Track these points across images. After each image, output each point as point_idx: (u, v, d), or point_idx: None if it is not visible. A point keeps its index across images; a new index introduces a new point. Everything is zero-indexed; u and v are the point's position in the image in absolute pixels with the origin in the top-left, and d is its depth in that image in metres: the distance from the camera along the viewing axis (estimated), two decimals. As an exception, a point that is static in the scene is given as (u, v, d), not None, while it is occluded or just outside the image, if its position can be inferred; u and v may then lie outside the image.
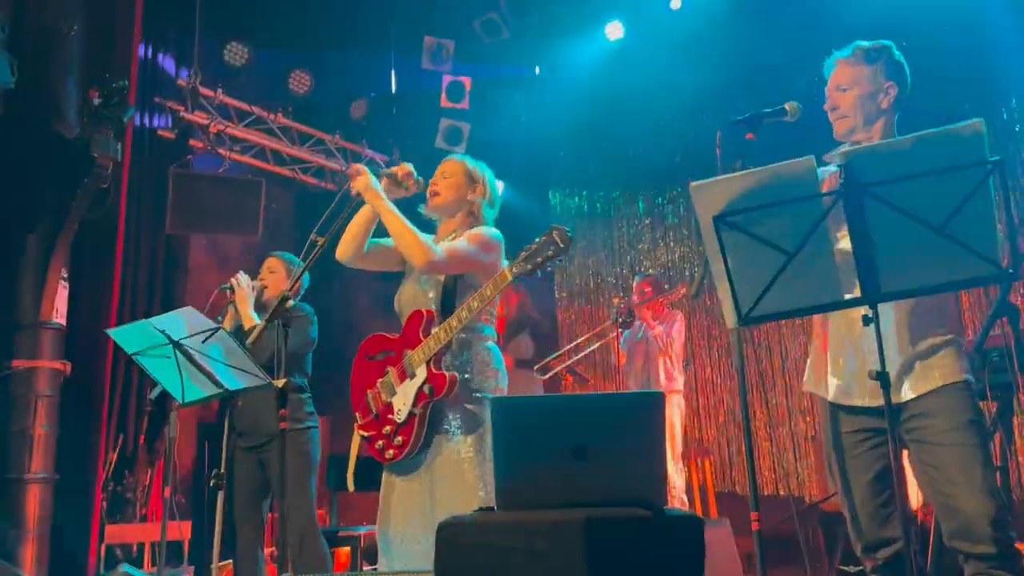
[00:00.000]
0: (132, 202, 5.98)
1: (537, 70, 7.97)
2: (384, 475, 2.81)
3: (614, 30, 7.38)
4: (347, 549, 4.84)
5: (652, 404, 1.91)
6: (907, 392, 2.16)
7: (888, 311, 2.17)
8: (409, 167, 2.90)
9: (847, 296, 1.97)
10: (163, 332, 2.66)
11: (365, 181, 2.82)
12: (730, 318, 2.04)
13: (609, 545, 1.71)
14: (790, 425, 6.82)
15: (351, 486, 2.98)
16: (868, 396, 2.19)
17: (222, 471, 2.79)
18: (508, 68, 7.86)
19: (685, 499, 5.83)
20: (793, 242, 1.92)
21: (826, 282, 1.96)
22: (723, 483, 6.98)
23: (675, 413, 5.81)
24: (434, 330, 2.67)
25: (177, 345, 2.68)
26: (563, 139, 8.13)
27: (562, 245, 2.52)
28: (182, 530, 5.23)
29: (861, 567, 4.78)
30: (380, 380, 2.76)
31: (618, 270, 7.95)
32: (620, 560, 1.73)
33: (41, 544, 4.72)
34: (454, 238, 2.86)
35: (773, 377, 6.94)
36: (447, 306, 2.75)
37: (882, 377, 1.88)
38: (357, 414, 2.84)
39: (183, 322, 2.69)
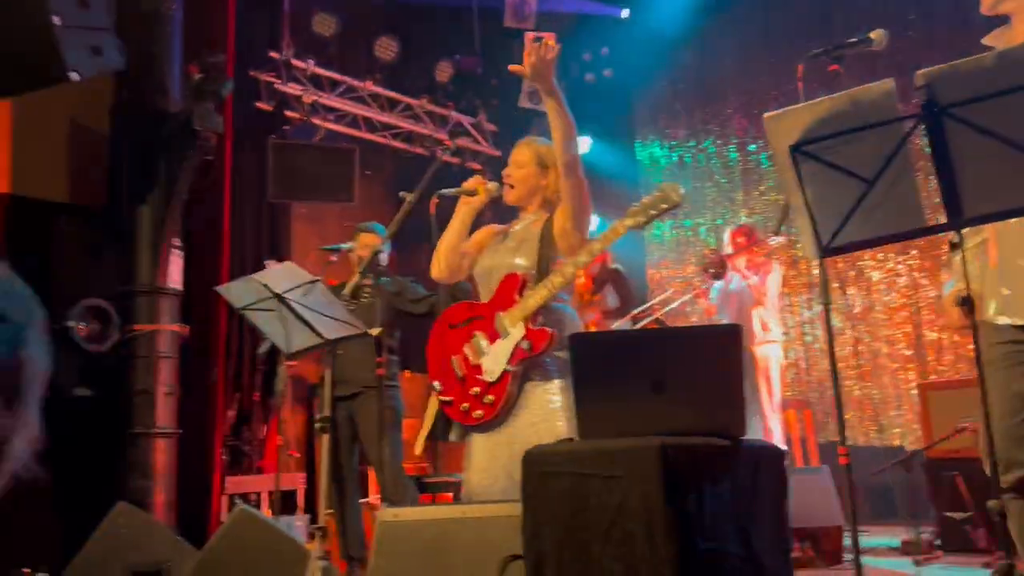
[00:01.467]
0: (236, 173, 6.26)
1: (624, 13, 7.82)
2: (469, 439, 2.81)
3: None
4: (450, 495, 5.03)
5: (728, 336, 1.94)
6: None
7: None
8: (477, 177, 2.97)
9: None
10: (266, 286, 2.82)
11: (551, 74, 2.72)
12: (810, 250, 2.03)
13: (686, 471, 1.76)
14: (893, 373, 6.63)
15: (419, 451, 3.00)
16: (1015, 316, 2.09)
17: (326, 415, 2.95)
18: (589, 16, 7.76)
19: (785, 448, 5.77)
20: (873, 169, 1.89)
21: (908, 207, 1.92)
22: (826, 434, 6.86)
23: (772, 364, 5.74)
24: (530, 290, 2.67)
25: (280, 298, 2.84)
26: (650, 88, 8.02)
27: (676, 199, 2.54)
28: (296, 481, 5.56)
29: (968, 514, 4.66)
30: (466, 344, 2.76)
31: (709, 222, 7.83)
32: (699, 486, 1.78)
33: (168, 493, 5.09)
34: (535, 221, 2.85)
35: (873, 325, 6.75)
36: (542, 271, 2.74)
37: (968, 303, 1.84)
38: (436, 382, 2.82)
39: (284, 276, 2.86)
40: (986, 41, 2.25)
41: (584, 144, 8.04)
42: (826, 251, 2.01)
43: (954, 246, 1.89)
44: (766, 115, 1.96)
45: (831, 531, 4.49)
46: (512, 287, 2.72)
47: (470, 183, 2.94)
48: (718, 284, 5.82)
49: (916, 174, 1.91)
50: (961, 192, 1.85)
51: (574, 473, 1.85)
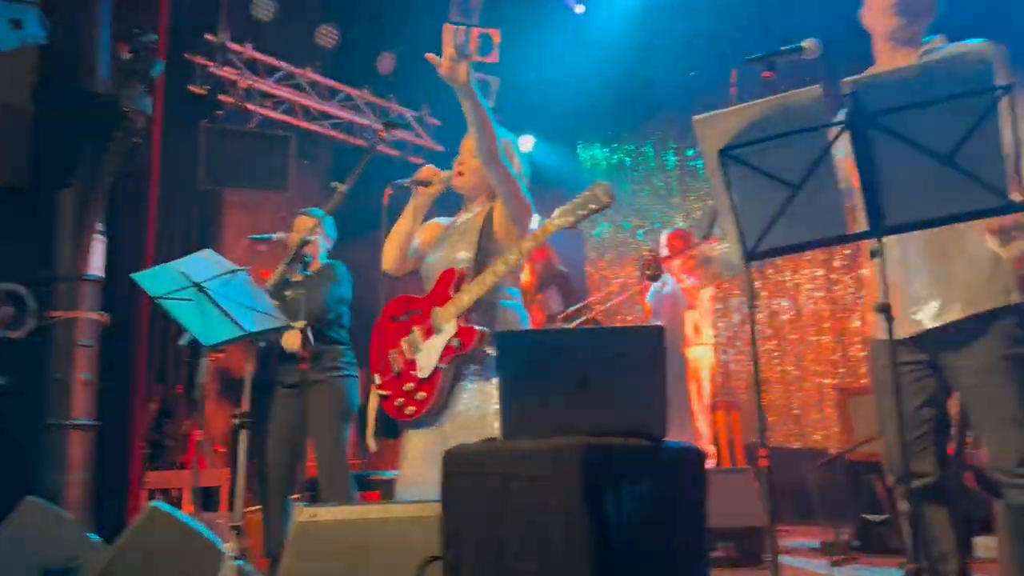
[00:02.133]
0: (165, 157, 6.08)
1: (578, 8, 7.81)
2: (405, 434, 2.81)
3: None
4: (378, 493, 4.96)
5: (652, 337, 1.93)
6: (942, 318, 2.15)
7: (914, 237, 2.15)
8: (430, 167, 2.96)
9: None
10: (184, 274, 2.73)
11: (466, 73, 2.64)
12: (736, 254, 2.04)
13: (606, 472, 1.74)
14: (816, 376, 6.79)
15: (372, 446, 2.97)
16: (905, 327, 2.19)
17: (245, 410, 2.87)
18: (539, 20, 7.74)
19: (713, 449, 5.86)
20: (799, 174, 1.91)
21: (832, 215, 1.94)
22: (751, 434, 6.98)
23: (703, 365, 5.83)
24: (465, 286, 2.67)
25: (198, 287, 2.75)
26: (593, 93, 8.03)
27: (605, 200, 2.55)
28: (219, 477, 5.41)
29: (886, 516, 4.78)
30: (404, 339, 2.76)
31: (647, 224, 7.90)
32: (618, 487, 1.76)
33: (84, 488, 4.91)
34: (479, 213, 2.85)
35: (801, 329, 6.90)
36: (481, 267, 2.73)
37: (884, 310, 1.87)
38: (376, 375, 2.82)
39: (204, 264, 2.76)
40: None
41: (527, 143, 8.03)
42: (751, 255, 2.02)
43: (875, 253, 1.91)
44: (696, 117, 1.96)
45: (754, 532, 4.56)
46: (448, 282, 2.71)
47: (424, 172, 2.92)
48: (655, 286, 5.87)
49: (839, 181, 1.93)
50: (883, 200, 1.88)
51: (494, 473, 1.82)
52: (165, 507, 3.12)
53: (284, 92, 7.00)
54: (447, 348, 2.63)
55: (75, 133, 5.09)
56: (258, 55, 6.75)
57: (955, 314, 2.15)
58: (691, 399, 5.73)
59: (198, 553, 2.91)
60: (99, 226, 5.20)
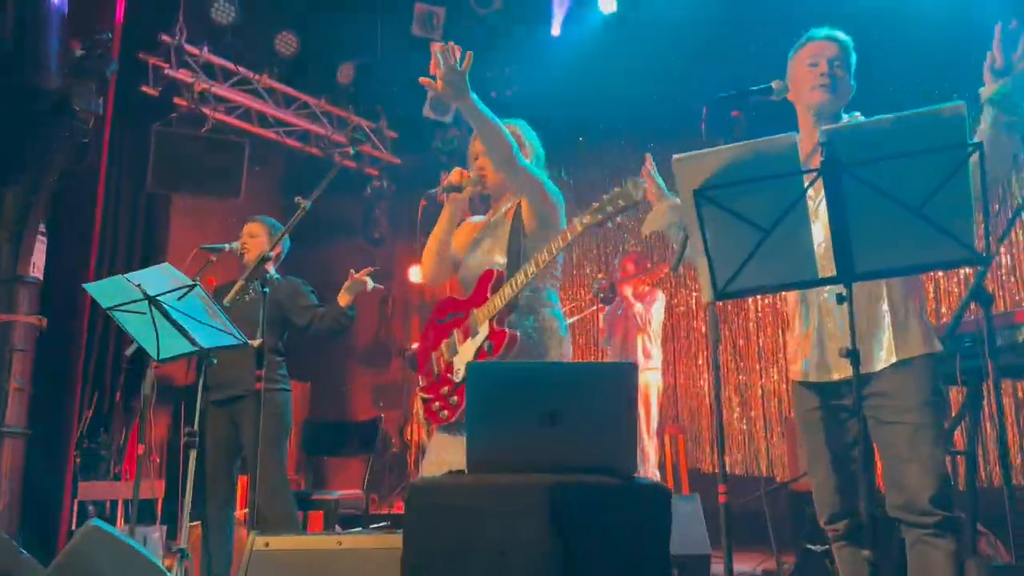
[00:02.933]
0: (113, 158, 5.91)
1: (548, 32, 7.85)
2: (434, 437, 2.77)
3: (607, 3, 7.31)
4: (321, 513, 4.86)
5: (624, 374, 1.93)
6: (866, 367, 2.22)
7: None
8: (458, 170, 2.88)
9: (822, 275, 1.98)
10: (139, 287, 2.64)
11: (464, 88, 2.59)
12: (707, 292, 2.05)
13: (575, 510, 1.73)
14: (763, 407, 6.90)
15: (425, 438, 2.96)
16: (836, 371, 2.27)
17: (195, 429, 2.78)
18: (497, 38, 7.77)
19: (658, 474, 5.90)
20: (771, 219, 1.93)
21: (802, 260, 1.97)
22: (696, 460, 7.06)
23: (651, 390, 5.87)
24: (501, 287, 2.63)
25: (153, 301, 2.66)
26: (550, 114, 8.07)
27: (637, 197, 2.49)
28: (155, 489, 5.25)
29: (827, 546, 4.87)
30: (445, 341, 2.74)
31: (601, 247, 7.96)
32: (586, 525, 1.75)
33: (13, 498, 4.70)
34: (508, 212, 2.83)
35: (749, 359, 7.01)
36: (514, 268, 2.68)
37: (853, 355, 1.90)
38: (420, 377, 2.80)
39: (160, 278, 2.68)
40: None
41: (484, 160, 8.02)
42: (721, 294, 2.03)
43: (841, 299, 1.94)
44: (675, 157, 1.97)
45: (699, 559, 4.59)
46: (487, 283, 2.68)
47: (453, 177, 2.84)
48: (608, 309, 5.92)
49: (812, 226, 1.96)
50: (853, 247, 1.91)
51: (462, 507, 1.79)
52: (105, 526, 2.99)
53: (240, 97, 6.88)
54: (479, 351, 2.59)
55: (21, 130, 4.91)
56: (215, 59, 6.63)
57: (882, 362, 2.22)
58: (639, 423, 5.77)
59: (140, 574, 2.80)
60: (41, 227, 5.02)
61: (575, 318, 6.37)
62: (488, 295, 2.65)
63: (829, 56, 2.41)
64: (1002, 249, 5.64)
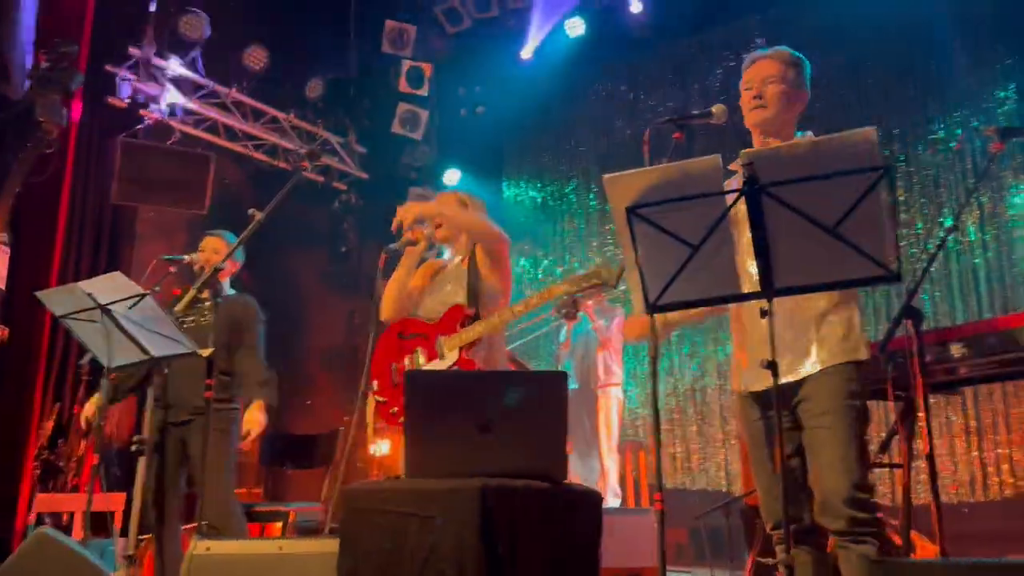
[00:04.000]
0: (78, 169, 5.92)
1: (519, 55, 7.95)
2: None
3: (574, 26, 7.44)
4: (278, 525, 4.86)
5: (554, 384, 2.00)
6: (793, 375, 2.30)
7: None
8: (415, 228, 3.24)
9: (746, 289, 2.07)
10: (91, 296, 2.67)
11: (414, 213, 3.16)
12: (638, 306, 2.13)
13: (503, 513, 1.79)
14: (721, 422, 6.99)
15: (371, 440, 3.28)
16: (760, 382, 2.35)
17: (144, 436, 2.81)
18: (467, 57, 7.88)
19: (619, 489, 5.95)
20: (698, 236, 2.02)
21: (727, 275, 2.06)
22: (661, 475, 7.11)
23: (612, 405, 5.92)
24: (471, 324, 2.97)
25: (104, 309, 2.69)
26: (520, 131, 8.21)
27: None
28: (110, 501, 5.21)
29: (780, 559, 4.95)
30: (408, 356, 3.06)
31: (566, 264, 8.05)
32: (514, 529, 1.81)
33: (-32, 508, 4.68)
34: (463, 260, 3.21)
35: (707, 375, 7.11)
36: (472, 304, 3.07)
37: (772, 367, 1.98)
38: (375, 381, 3.11)
39: (111, 287, 2.71)
40: (732, 166, 2.41)
41: (453, 176, 8.11)
42: (652, 308, 2.11)
43: (764, 313, 2.03)
44: (605, 176, 2.05)
45: (652, 571, 4.65)
46: (456, 317, 3.03)
47: (410, 235, 3.22)
48: (570, 325, 5.97)
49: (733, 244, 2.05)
50: (774, 264, 2.00)
51: (393, 512, 1.84)
52: (54, 533, 3.00)
53: (208, 111, 6.91)
54: None
55: (-16, 140, 4.92)
56: (183, 71, 6.66)
57: (807, 370, 2.30)
58: (599, 439, 5.83)
59: (86, 583, 2.82)
60: (4, 236, 5.02)
61: (540, 331, 6.41)
62: (456, 327, 2.99)
63: (763, 76, 2.48)
64: (935, 268, 5.80)
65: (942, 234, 5.74)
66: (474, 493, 1.77)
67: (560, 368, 5.80)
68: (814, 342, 2.31)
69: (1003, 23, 5.55)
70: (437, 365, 2.97)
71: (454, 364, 2.93)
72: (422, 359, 3.04)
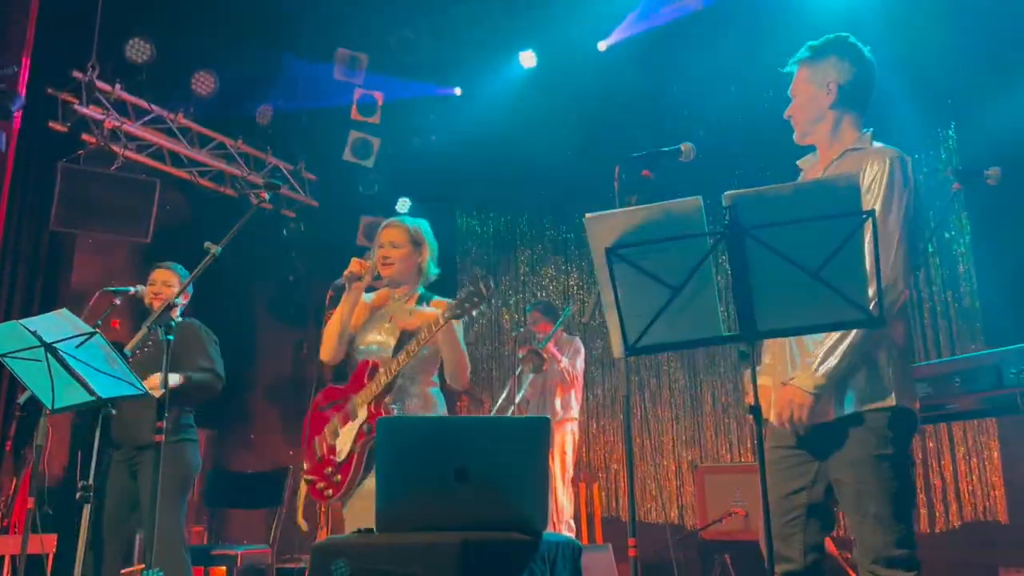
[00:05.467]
0: (15, 194, 5.68)
1: (457, 91, 7.96)
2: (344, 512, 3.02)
3: (527, 58, 7.47)
4: (223, 569, 4.67)
5: (537, 430, 1.94)
6: (821, 417, 2.21)
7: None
8: (358, 261, 3.15)
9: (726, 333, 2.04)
10: (35, 334, 2.52)
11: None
12: (617, 348, 2.09)
13: (484, 569, 1.71)
14: (674, 455, 6.99)
15: (302, 525, 3.28)
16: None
17: (90, 483, 2.65)
18: (420, 87, 7.85)
19: (572, 524, 5.89)
20: (679, 277, 1.99)
21: (708, 317, 2.03)
22: (610, 509, 7.09)
23: (568, 440, 5.87)
24: (376, 376, 2.95)
25: (50, 348, 2.54)
26: (472, 161, 8.18)
27: (485, 293, 2.79)
28: (44, 543, 4.94)
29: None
30: (327, 427, 3.01)
31: (519, 293, 8.01)
32: (495, 584, 1.74)
33: None
34: (408, 300, 3.17)
35: (659, 407, 7.12)
36: (398, 354, 3.00)
37: (755, 411, 1.96)
38: (304, 462, 3.07)
39: (58, 324, 2.56)
40: (800, 163, 2.54)
41: (403, 205, 8.02)
42: (631, 350, 2.07)
43: (743, 356, 2.01)
44: (588, 216, 2.01)
45: (611, 610, 4.59)
46: (363, 372, 2.99)
47: (354, 268, 3.10)
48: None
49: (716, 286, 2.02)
50: (755, 306, 1.98)
51: (368, 569, 1.75)
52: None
53: (153, 136, 6.71)
54: (359, 433, 2.88)
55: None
56: (127, 96, 6.46)
57: (839, 412, 2.21)
58: (553, 474, 5.76)
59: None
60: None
61: (514, 399, 6.09)
62: (365, 381, 2.97)
63: (792, 88, 2.47)
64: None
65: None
66: (455, 548, 1.69)
67: (517, 399, 5.71)
68: (842, 383, 2.19)
69: (949, 64, 5.74)
70: (350, 427, 2.92)
71: (364, 421, 2.89)
72: (338, 424, 2.98)
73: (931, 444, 5.87)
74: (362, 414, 2.91)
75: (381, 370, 2.93)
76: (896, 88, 5.85)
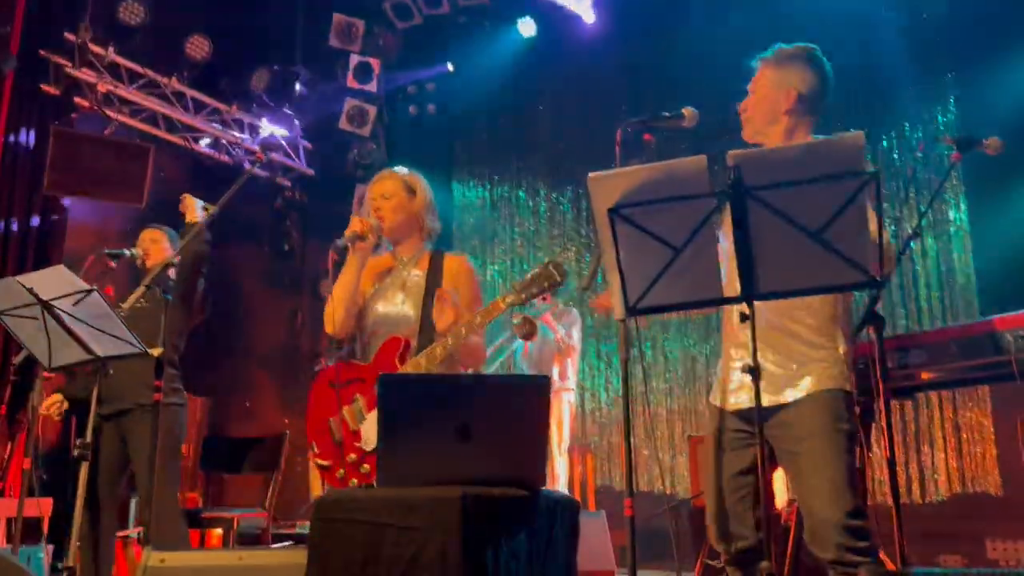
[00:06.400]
0: (7, 157, 5.63)
1: (450, 67, 7.89)
2: None
3: (526, 26, 7.41)
4: (219, 531, 4.69)
5: (536, 388, 1.94)
6: (776, 398, 2.26)
7: (766, 314, 2.28)
8: (358, 219, 2.86)
9: (727, 294, 2.04)
10: (31, 291, 2.51)
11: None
12: (618, 309, 2.09)
13: (483, 523, 1.72)
14: (668, 424, 7.04)
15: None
16: (743, 397, 2.30)
17: (88, 440, 2.65)
18: (416, 54, 7.78)
19: (567, 492, 5.93)
20: (681, 238, 1.98)
21: (709, 278, 2.02)
22: (603, 477, 7.15)
23: (564, 409, 5.89)
24: (413, 358, 2.65)
25: (46, 305, 2.53)
26: (469, 129, 8.13)
27: (558, 279, 2.58)
28: (41, 507, 4.96)
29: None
30: (347, 407, 2.70)
31: (516, 265, 8.00)
32: (494, 538, 1.75)
33: None
34: (418, 263, 2.89)
35: (655, 377, 7.15)
36: (426, 327, 2.75)
37: (753, 372, 1.96)
38: (313, 443, 2.74)
39: (54, 281, 2.55)
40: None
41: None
42: (632, 311, 2.07)
43: (745, 317, 2.01)
44: (591, 175, 2.00)
45: (606, 574, 4.63)
46: (393, 351, 2.68)
47: (355, 226, 2.81)
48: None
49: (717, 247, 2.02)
50: (757, 267, 1.98)
51: (368, 522, 1.76)
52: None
53: (146, 101, 6.65)
54: None
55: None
56: (121, 60, 6.39)
57: (799, 393, 2.25)
58: (550, 442, 5.79)
59: (21, 597, 2.65)
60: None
61: (501, 357, 6.17)
62: (396, 364, 2.66)
63: (750, 86, 2.48)
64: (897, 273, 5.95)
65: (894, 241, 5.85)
66: (454, 502, 1.70)
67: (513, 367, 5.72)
68: (801, 366, 2.26)
69: (950, 36, 5.71)
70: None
71: None
72: (363, 408, 2.68)
73: (924, 415, 5.92)
74: None
75: (421, 355, 2.65)
76: (898, 61, 5.83)
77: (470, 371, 2.84)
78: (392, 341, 2.70)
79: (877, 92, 6.16)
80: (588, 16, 7.00)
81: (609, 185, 2.00)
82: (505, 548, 1.75)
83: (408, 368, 2.62)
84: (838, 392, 2.24)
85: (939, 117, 6.07)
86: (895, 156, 6.24)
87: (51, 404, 3.52)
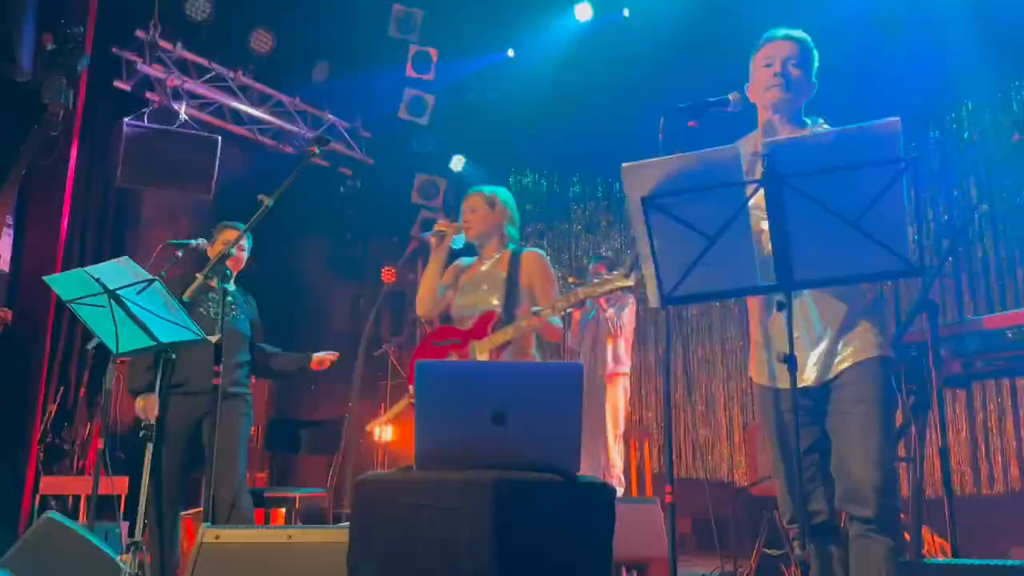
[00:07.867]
0: (83, 152, 5.89)
1: (510, 53, 7.90)
2: None
3: (583, 11, 7.36)
4: (283, 510, 4.87)
5: (571, 376, 1.97)
6: (827, 372, 2.27)
7: (806, 294, 2.27)
8: (443, 221, 3.50)
9: (764, 283, 2.04)
10: (99, 281, 2.65)
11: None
12: (653, 298, 2.11)
13: (517, 506, 1.77)
14: (725, 412, 6.98)
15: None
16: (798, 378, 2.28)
17: (152, 422, 2.79)
18: (475, 43, 7.82)
19: (623, 479, 5.93)
20: (716, 227, 1.99)
21: (744, 267, 2.03)
22: (662, 464, 7.13)
23: (620, 395, 5.89)
24: (502, 328, 3.17)
25: (112, 294, 2.67)
26: (526, 118, 8.14)
27: (627, 284, 2.95)
28: (115, 485, 5.20)
29: (784, 551, 4.95)
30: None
31: (572, 253, 8.02)
32: (527, 522, 1.80)
33: (-28, 491, 4.68)
34: (498, 263, 3.41)
35: (712, 365, 7.10)
36: (508, 312, 3.27)
37: (790, 360, 1.96)
38: (411, 386, 3.12)
39: (119, 272, 2.69)
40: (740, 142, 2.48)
41: (458, 163, 8.07)
42: (667, 300, 2.09)
43: (781, 306, 2.01)
44: (624, 165, 2.02)
45: (658, 561, 4.64)
46: (487, 322, 3.25)
47: (439, 226, 3.46)
48: (583, 313, 5.90)
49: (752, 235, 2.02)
50: (793, 256, 1.97)
51: (406, 503, 1.83)
52: (60, 518, 3.00)
53: (213, 94, 6.87)
54: None
55: (-10, 121, 4.90)
56: (188, 55, 6.61)
57: (844, 364, 2.26)
58: (606, 427, 5.80)
59: (94, 567, 2.81)
60: (8, 219, 5.00)
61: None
62: (488, 332, 3.20)
63: (784, 56, 2.43)
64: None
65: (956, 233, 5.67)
66: (488, 486, 1.75)
67: (567, 355, 5.76)
68: (842, 337, 2.27)
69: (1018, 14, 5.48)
70: None
71: None
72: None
73: (992, 405, 5.74)
74: (483, 359, 3.16)
75: (508, 326, 3.15)
76: (969, 41, 5.63)
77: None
78: (488, 314, 3.25)
79: (945, 73, 5.96)
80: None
81: (643, 174, 2.01)
82: (538, 531, 1.80)
83: (497, 335, 3.15)
84: (879, 360, 2.26)
85: (1012, 101, 5.83)
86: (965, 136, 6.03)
87: (148, 407, 3.72)
